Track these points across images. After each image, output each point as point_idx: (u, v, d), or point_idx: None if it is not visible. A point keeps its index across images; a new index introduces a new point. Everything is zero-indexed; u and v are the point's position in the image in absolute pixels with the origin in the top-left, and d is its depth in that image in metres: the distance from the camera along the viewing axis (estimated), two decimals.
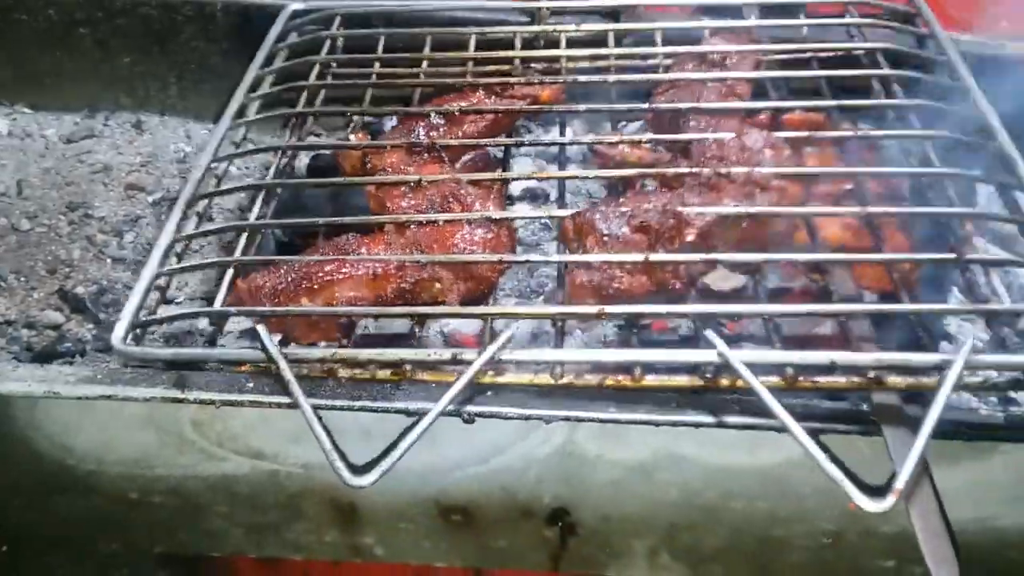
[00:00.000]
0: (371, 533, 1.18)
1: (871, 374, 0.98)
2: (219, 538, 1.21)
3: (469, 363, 0.94)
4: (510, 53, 1.41)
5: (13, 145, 1.73)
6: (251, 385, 0.99)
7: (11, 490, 1.18)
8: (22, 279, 1.44)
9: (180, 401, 0.99)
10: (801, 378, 0.99)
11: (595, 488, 1.12)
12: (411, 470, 1.09)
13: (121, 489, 1.14)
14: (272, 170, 1.26)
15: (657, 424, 0.99)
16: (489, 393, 1.01)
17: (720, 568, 1.18)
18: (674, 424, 0.99)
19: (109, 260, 1.47)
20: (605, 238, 1.06)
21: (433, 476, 1.11)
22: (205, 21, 1.69)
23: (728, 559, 1.17)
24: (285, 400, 0.95)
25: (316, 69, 1.40)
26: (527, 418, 0.99)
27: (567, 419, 1.00)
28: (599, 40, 1.45)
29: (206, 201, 1.19)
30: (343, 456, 0.90)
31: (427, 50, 1.44)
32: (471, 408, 0.99)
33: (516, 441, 1.08)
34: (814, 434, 0.88)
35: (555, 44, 1.45)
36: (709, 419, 0.99)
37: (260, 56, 1.41)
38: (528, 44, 1.46)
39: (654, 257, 1.03)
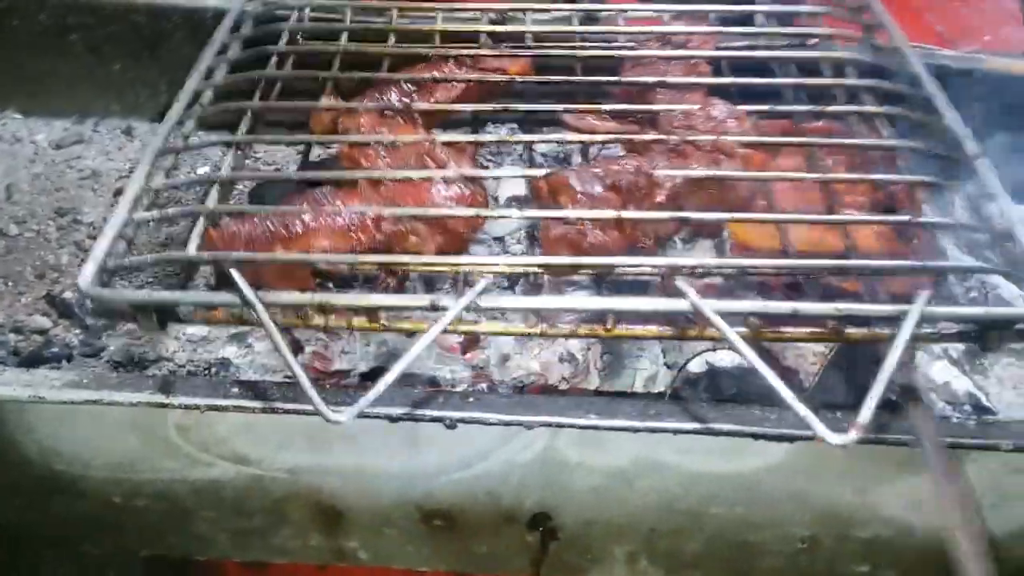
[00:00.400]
0: (355, 537, 1.18)
1: (830, 324, 1.00)
2: (205, 542, 1.21)
3: (446, 310, 0.94)
4: (478, 27, 1.42)
5: (3, 150, 1.73)
6: (236, 391, 1.00)
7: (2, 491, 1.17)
8: (10, 284, 1.44)
9: (165, 406, 1.00)
10: (766, 328, 1.00)
11: (576, 494, 1.13)
12: (394, 475, 1.10)
13: (108, 493, 1.14)
14: (243, 126, 1.23)
15: (636, 430, 1.02)
16: (471, 399, 1.03)
17: (698, 573, 1.19)
18: (652, 431, 1.01)
19: None
20: (579, 196, 1.08)
21: (416, 481, 1.12)
22: (195, 28, 1.70)
23: (706, 564, 1.18)
24: (268, 405, 0.96)
25: (285, 36, 1.39)
26: (508, 424, 1.01)
27: (547, 425, 1.02)
28: (564, 21, 1.46)
29: (175, 155, 1.16)
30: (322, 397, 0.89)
31: (394, 23, 1.43)
32: (453, 414, 1.01)
33: (498, 447, 1.08)
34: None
35: (521, 24, 1.45)
36: (688, 425, 1.01)
37: (227, 22, 1.40)
38: (494, 24, 1.46)
39: (626, 214, 1.05)
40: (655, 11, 1.47)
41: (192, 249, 1.02)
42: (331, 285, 1.18)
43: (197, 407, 1.00)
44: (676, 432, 1.01)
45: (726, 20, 1.47)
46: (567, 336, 1.03)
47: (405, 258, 1.03)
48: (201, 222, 1.06)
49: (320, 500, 1.14)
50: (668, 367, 1.28)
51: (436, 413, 1.00)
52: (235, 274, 0.95)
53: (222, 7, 1.66)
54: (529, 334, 1.02)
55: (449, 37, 1.40)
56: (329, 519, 1.16)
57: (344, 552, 1.20)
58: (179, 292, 1.01)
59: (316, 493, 1.13)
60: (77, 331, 1.34)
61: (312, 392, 0.89)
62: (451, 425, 1.01)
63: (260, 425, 1.05)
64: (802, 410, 0.88)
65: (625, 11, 1.47)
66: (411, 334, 1.02)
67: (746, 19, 1.51)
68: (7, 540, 1.23)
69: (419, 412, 0.95)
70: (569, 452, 1.08)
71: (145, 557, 1.28)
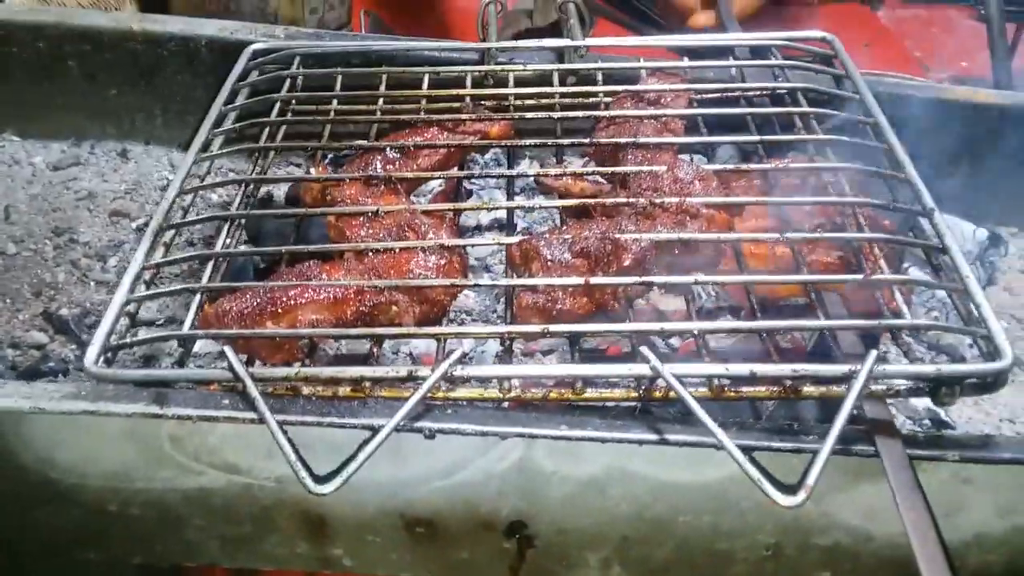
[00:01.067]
0: (340, 545, 1.21)
1: (788, 383, 1.05)
2: (195, 549, 1.24)
3: (424, 379, 0.99)
4: (461, 91, 1.46)
5: (1, 172, 1.76)
6: (226, 402, 1.03)
7: None
8: (8, 300, 1.48)
9: (159, 417, 1.03)
10: (727, 389, 1.05)
11: (551, 502, 1.15)
12: (378, 484, 1.13)
13: (102, 501, 1.17)
14: (237, 201, 1.29)
15: (604, 441, 1.04)
16: (449, 411, 1.05)
17: None
18: (619, 441, 1.04)
19: (93, 283, 1.52)
20: (549, 263, 1.12)
21: (399, 490, 1.15)
22: (190, 56, 1.74)
23: (677, 571, 1.21)
24: (258, 417, 0.98)
25: (277, 106, 1.44)
26: (484, 434, 1.04)
27: (521, 435, 1.05)
28: (545, 78, 1.51)
29: (174, 231, 1.23)
30: (307, 466, 0.94)
31: (383, 88, 1.48)
32: (432, 425, 1.04)
33: (477, 457, 1.11)
34: (747, 451, 0.94)
35: (503, 83, 1.52)
36: (652, 436, 1.04)
37: (223, 93, 1.45)
38: (478, 83, 1.52)
39: (594, 280, 1.09)
40: (631, 68, 1.53)
41: (188, 326, 1.08)
42: (325, 350, 1.23)
43: (190, 417, 1.03)
44: (640, 443, 1.04)
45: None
46: (539, 400, 1.08)
47: (386, 330, 1.08)
48: (196, 299, 1.11)
49: (306, 508, 1.17)
50: None
51: (416, 424, 1.04)
52: (228, 351, 1.00)
53: (215, 36, 1.72)
54: (503, 399, 1.07)
55: (434, 100, 1.45)
56: (315, 527, 1.19)
57: (330, 559, 1.23)
58: (177, 370, 1.07)
59: (302, 501, 1.16)
60: (73, 347, 1.39)
61: (298, 466, 0.94)
62: (430, 435, 1.04)
63: (250, 435, 1.08)
64: (754, 473, 0.92)
65: (602, 68, 1.53)
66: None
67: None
68: (3, 549, 1.26)
69: (400, 423, 0.96)
70: (544, 462, 1.11)
71: (137, 565, 1.30)
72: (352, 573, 1.26)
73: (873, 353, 0.99)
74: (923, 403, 1.33)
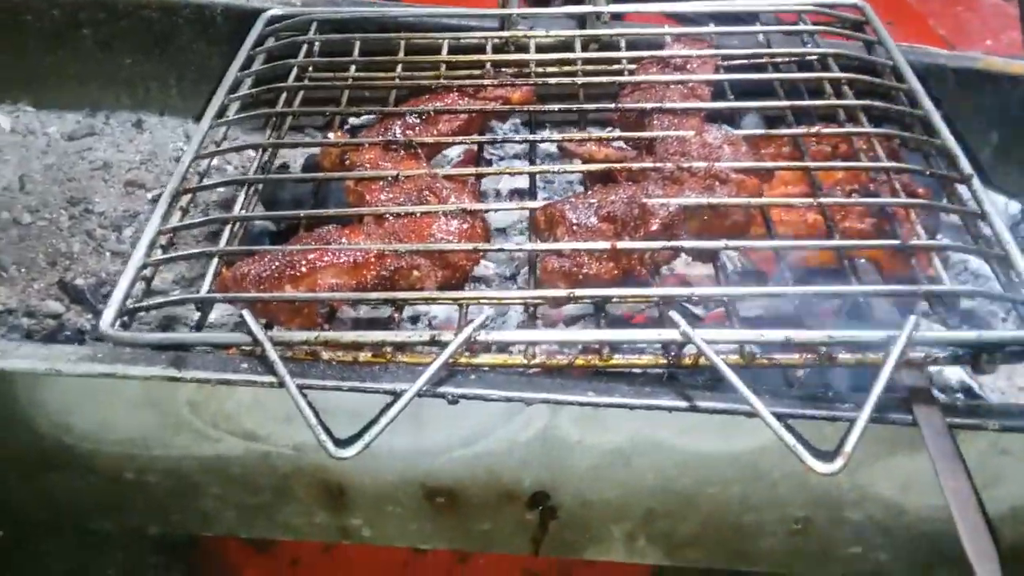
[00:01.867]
0: (359, 515, 1.19)
1: (823, 350, 1.02)
2: (212, 519, 1.22)
3: (447, 344, 0.97)
4: (482, 57, 1.43)
5: (16, 142, 1.74)
6: (245, 366, 1.00)
7: (11, 467, 1.18)
8: (23, 270, 1.46)
9: (177, 380, 1.00)
10: (759, 355, 1.02)
11: (575, 473, 1.13)
12: (398, 452, 1.10)
13: (118, 468, 1.15)
14: (254, 166, 1.27)
15: (632, 407, 1.01)
16: (472, 376, 1.02)
17: (695, 552, 1.20)
18: (648, 408, 1.01)
19: (108, 254, 1.50)
20: (574, 227, 1.09)
21: (420, 459, 1.12)
22: (205, 24, 1.71)
23: (703, 544, 1.19)
24: (276, 379, 0.96)
25: (295, 71, 1.41)
26: (509, 400, 1.01)
27: (547, 402, 1.02)
28: (567, 45, 1.48)
29: (191, 196, 1.20)
30: (327, 430, 0.92)
31: (401, 54, 1.45)
32: (455, 390, 1.01)
33: (500, 425, 1.09)
34: (782, 419, 0.91)
35: (524, 49, 1.48)
36: (682, 403, 1.01)
37: (239, 59, 1.42)
38: (499, 50, 1.49)
39: (621, 245, 1.06)
40: (655, 34, 1.49)
41: (205, 290, 1.06)
42: (342, 316, 1.20)
43: (208, 381, 1.00)
44: (671, 410, 1.01)
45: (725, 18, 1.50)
46: (564, 367, 1.05)
47: (407, 294, 1.05)
48: (214, 262, 1.09)
49: (325, 476, 1.15)
50: None
51: (439, 389, 1.00)
52: (246, 315, 0.97)
53: (231, 4, 1.68)
54: (527, 366, 1.04)
55: (453, 66, 1.41)
56: (334, 496, 1.17)
57: (348, 530, 1.21)
58: (195, 333, 1.04)
59: (321, 469, 1.14)
60: (88, 316, 1.37)
61: (319, 429, 0.91)
62: (454, 401, 1.01)
63: (268, 401, 1.06)
64: (790, 440, 0.90)
65: (626, 34, 1.49)
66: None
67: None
68: (17, 519, 1.25)
69: (423, 388, 0.94)
70: (569, 431, 1.08)
71: (152, 537, 1.30)
72: (370, 544, 1.23)
73: (912, 318, 0.96)
74: (956, 375, 1.28)
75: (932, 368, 1.16)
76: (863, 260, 1.18)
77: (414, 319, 1.34)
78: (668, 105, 1.26)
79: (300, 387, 0.94)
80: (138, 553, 1.43)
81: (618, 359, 1.04)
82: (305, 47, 1.48)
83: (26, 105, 1.82)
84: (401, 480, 1.15)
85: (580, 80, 1.38)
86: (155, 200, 1.60)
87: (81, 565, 1.42)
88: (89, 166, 1.69)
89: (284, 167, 1.65)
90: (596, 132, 1.34)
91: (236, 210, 1.18)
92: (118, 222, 1.56)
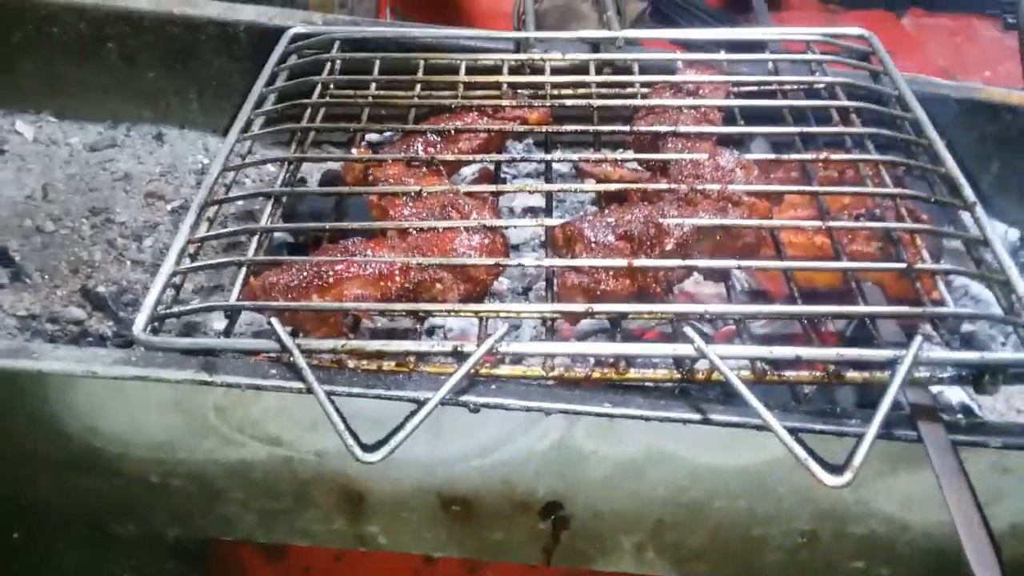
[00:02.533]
0: (376, 522, 1.21)
1: (831, 368, 1.05)
2: (232, 523, 1.23)
3: (469, 355, 0.99)
4: (499, 78, 1.46)
5: (39, 152, 1.77)
6: (274, 372, 1.02)
7: (39, 468, 1.19)
8: (46, 277, 1.49)
9: (208, 384, 1.02)
10: (769, 372, 1.05)
11: (588, 483, 1.14)
12: (417, 460, 1.12)
13: (144, 472, 1.16)
14: (279, 180, 1.30)
15: (647, 419, 1.03)
16: (493, 386, 1.04)
17: (703, 565, 1.21)
18: (663, 420, 1.03)
19: (129, 262, 1.53)
20: (593, 244, 1.12)
21: (438, 467, 1.14)
22: (227, 41, 1.74)
23: (711, 556, 1.20)
24: (304, 385, 0.98)
25: (318, 88, 1.44)
26: (528, 409, 1.03)
27: (565, 412, 1.04)
28: (581, 68, 1.51)
29: (217, 207, 1.23)
30: (355, 435, 0.94)
31: (420, 74, 1.48)
32: (476, 399, 1.03)
33: (516, 435, 1.10)
34: (792, 432, 0.93)
35: (540, 71, 1.51)
36: (695, 416, 1.03)
37: (264, 75, 1.45)
38: (515, 71, 1.52)
39: (637, 263, 1.09)
40: (668, 59, 1.52)
41: (235, 297, 1.08)
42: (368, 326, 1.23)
43: (239, 385, 1.02)
44: (684, 422, 1.03)
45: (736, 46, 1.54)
46: (581, 380, 1.08)
47: (431, 306, 1.08)
48: (242, 272, 1.11)
49: (346, 483, 1.16)
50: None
51: (461, 398, 1.02)
52: (275, 323, 1.00)
53: (254, 22, 1.72)
54: (545, 378, 1.07)
55: (471, 86, 1.45)
56: (353, 503, 1.18)
57: (364, 537, 1.22)
58: (224, 340, 1.07)
59: (342, 476, 1.15)
60: (110, 323, 1.39)
61: (346, 434, 0.94)
62: (475, 409, 1.03)
63: (294, 407, 1.08)
64: (801, 453, 0.92)
65: (639, 59, 1.52)
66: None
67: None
68: (38, 518, 1.25)
69: (446, 396, 0.96)
70: (584, 442, 1.10)
71: (169, 541, 1.28)
72: (386, 551, 1.25)
73: (919, 338, 0.99)
74: (956, 396, 1.31)
75: (934, 388, 1.19)
76: (869, 283, 1.21)
77: (430, 331, 1.37)
78: (682, 128, 1.30)
79: (328, 393, 0.96)
80: (153, 558, 1.44)
81: (633, 373, 1.07)
82: (328, 64, 1.51)
83: (49, 115, 1.84)
84: (419, 488, 1.16)
85: (596, 103, 1.41)
86: (174, 212, 1.64)
87: (94, 568, 1.43)
88: (110, 177, 1.72)
89: (302, 181, 1.68)
90: (610, 154, 1.38)
91: (263, 221, 1.20)
92: (138, 232, 1.59)
